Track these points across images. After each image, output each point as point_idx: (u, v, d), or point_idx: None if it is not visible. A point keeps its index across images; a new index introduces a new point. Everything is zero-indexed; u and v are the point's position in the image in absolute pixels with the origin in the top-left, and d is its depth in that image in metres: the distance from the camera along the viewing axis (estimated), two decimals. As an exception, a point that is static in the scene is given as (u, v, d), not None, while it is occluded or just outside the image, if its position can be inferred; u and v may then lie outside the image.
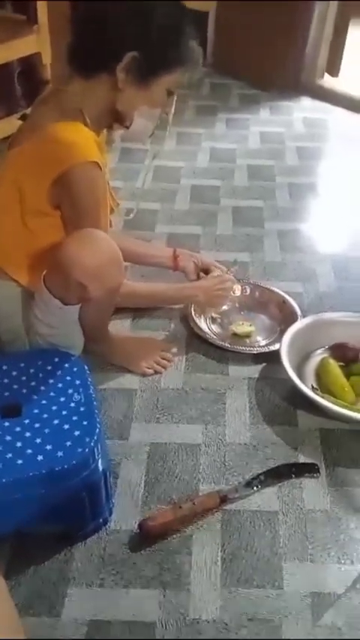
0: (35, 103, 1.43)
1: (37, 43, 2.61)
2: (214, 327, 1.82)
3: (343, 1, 3.20)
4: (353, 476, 1.41)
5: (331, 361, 1.64)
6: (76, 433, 1.17)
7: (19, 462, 1.11)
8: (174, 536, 1.27)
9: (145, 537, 1.26)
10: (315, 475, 1.40)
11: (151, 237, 2.20)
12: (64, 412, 1.21)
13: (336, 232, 2.31)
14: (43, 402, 1.24)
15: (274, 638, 1.12)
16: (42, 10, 2.57)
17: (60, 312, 1.43)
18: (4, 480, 1.09)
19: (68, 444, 1.14)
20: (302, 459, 1.44)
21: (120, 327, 1.78)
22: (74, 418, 1.20)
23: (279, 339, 1.68)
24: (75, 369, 1.33)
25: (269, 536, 1.28)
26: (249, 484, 1.36)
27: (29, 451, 1.13)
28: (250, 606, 1.16)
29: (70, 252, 1.33)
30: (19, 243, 1.43)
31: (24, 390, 1.27)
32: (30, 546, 1.24)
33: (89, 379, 1.31)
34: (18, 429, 1.17)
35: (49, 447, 1.13)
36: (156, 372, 1.65)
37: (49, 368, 1.33)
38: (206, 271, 1.86)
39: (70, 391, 1.26)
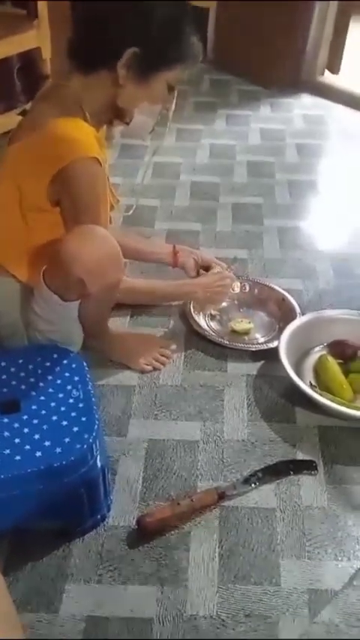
0: (35, 98, 1.42)
1: (37, 38, 2.60)
2: (213, 324, 1.82)
3: (344, 0, 3.20)
4: (351, 473, 1.41)
5: (330, 358, 1.64)
6: (75, 429, 1.17)
7: (18, 458, 1.11)
8: (172, 532, 1.27)
9: (143, 534, 1.26)
10: (313, 472, 1.41)
11: (151, 234, 2.20)
12: (62, 408, 1.21)
13: (336, 230, 2.30)
14: (42, 398, 1.24)
15: (272, 638, 1.12)
16: (42, 5, 2.57)
17: (59, 308, 1.43)
18: (2, 476, 1.09)
19: (67, 440, 1.14)
20: (300, 456, 1.45)
21: (119, 324, 1.78)
22: (73, 414, 1.20)
23: (278, 337, 1.68)
24: (74, 366, 1.33)
25: (267, 532, 1.28)
26: (247, 481, 1.36)
27: (27, 447, 1.13)
28: (248, 603, 1.17)
29: (70, 249, 1.33)
30: (18, 239, 1.43)
31: (22, 386, 1.27)
32: (28, 542, 1.24)
33: (88, 375, 1.31)
34: (16, 425, 1.17)
35: (47, 443, 1.14)
36: (155, 369, 1.65)
37: (48, 364, 1.33)
38: (206, 268, 1.86)
39: (69, 387, 1.26)
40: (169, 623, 1.13)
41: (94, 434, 1.16)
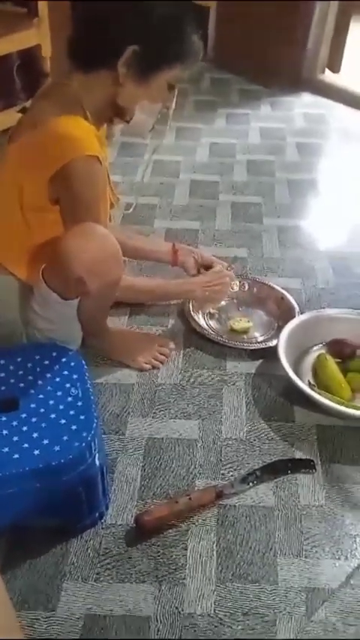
0: (35, 96, 1.42)
1: (37, 35, 2.60)
2: (212, 323, 1.82)
3: (344, 0, 3.20)
4: (349, 472, 1.41)
5: (329, 357, 1.64)
6: (73, 427, 1.17)
7: (16, 456, 1.11)
8: (170, 531, 1.28)
9: (141, 532, 1.26)
10: (311, 471, 1.41)
11: (150, 232, 2.20)
12: (61, 406, 1.21)
13: (335, 229, 2.30)
14: (41, 396, 1.24)
15: (269, 636, 1.12)
16: (42, 3, 2.57)
17: (58, 306, 1.43)
18: (0, 474, 1.09)
19: (65, 438, 1.15)
20: (298, 455, 1.45)
21: (117, 323, 1.78)
22: (71, 412, 1.20)
23: (276, 335, 1.68)
24: (72, 364, 1.33)
25: (265, 531, 1.29)
26: (245, 479, 1.37)
27: (26, 445, 1.13)
28: (245, 601, 1.17)
29: (70, 247, 1.33)
30: (18, 237, 1.42)
31: (21, 384, 1.27)
32: (26, 540, 1.24)
33: (87, 374, 1.31)
34: (15, 423, 1.17)
35: (45, 442, 1.14)
36: (153, 367, 1.65)
37: (47, 362, 1.33)
38: (207, 267, 1.86)
39: (68, 385, 1.26)
40: (167, 621, 1.13)
41: (92, 432, 1.16)
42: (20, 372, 1.30)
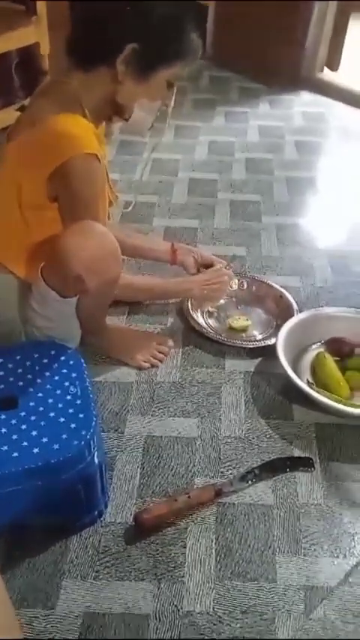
0: (34, 94, 1.42)
1: (36, 33, 2.60)
2: (211, 321, 1.82)
3: (343, 1, 3.20)
4: (348, 470, 1.42)
5: (327, 356, 1.65)
6: (72, 426, 1.17)
7: (15, 454, 1.11)
8: (169, 529, 1.28)
9: (140, 530, 1.26)
10: (310, 469, 1.41)
11: (149, 231, 2.20)
12: (60, 405, 1.21)
13: (334, 227, 2.31)
14: (40, 394, 1.24)
15: (268, 635, 1.13)
16: (41, 1, 2.56)
17: (57, 304, 1.43)
18: (-1, 472, 1.09)
19: (64, 436, 1.15)
20: (297, 453, 1.45)
21: (116, 321, 1.78)
22: (70, 411, 1.20)
23: (275, 334, 1.68)
24: (71, 362, 1.33)
25: (263, 529, 1.29)
26: (244, 478, 1.37)
27: (25, 444, 1.13)
28: (244, 599, 1.17)
29: (69, 245, 1.33)
30: (16, 235, 1.42)
31: (20, 383, 1.27)
32: (25, 539, 1.24)
33: (85, 372, 1.31)
34: (14, 421, 1.17)
35: (45, 440, 1.14)
36: (152, 366, 1.66)
37: (46, 360, 1.33)
38: (207, 266, 1.86)
39: (67, 384, 1.26)
40: (166, 619, 1.14)
41: (91, 430, 1.16)
42: (19, 371, 1.30)
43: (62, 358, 1.33)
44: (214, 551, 1.25)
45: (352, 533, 1.29)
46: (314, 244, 2.19)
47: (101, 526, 1.28)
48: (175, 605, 1.16)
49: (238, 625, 1.13)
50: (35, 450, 1.12)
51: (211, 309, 1.85)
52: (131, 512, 1.30)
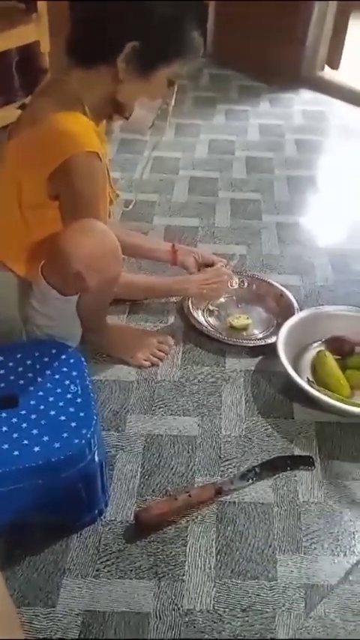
0: (34, 93, 1.42)
1: (36, 31, 2.60)
2: (211, 320, 1.82)
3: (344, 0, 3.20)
4: (348, 469, 1.42)
5: (328, 354, 1.65)
6: (73, 424, 1.17)
7: (16, 453, 1.11)
8: (169, 527, 1.28)
9: (141, 529, 1.26)
10: (310, 468, 1.41)
11: (149, 229, 2.20)
12: (60, 403, 1.21)
13: (334, 225, 2.30)
14: (40, 393, 1.24)
15: (268, 633, 1.13)
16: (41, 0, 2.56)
17: (57, 302, 1.43)
18: (0, 471, 1.09)
19: (65, 435, 1.15)
20: (297, 452, 1.45)
21: (116, 320, 1.78)
22: (71, 409, 1.20)
23: (276, 332, 1.68)
24: (72, 361, 1.33)
25: (264, 528, 1.29)
26: (244, 476, 1.37)
27: (25, 442, 1.13)
28: (244, 597, 1.17)
29: (69, 242, 1.32)
30: (17, 234, 1.42)
31: (21, 381, 1.27)
32: (26, 537, 1.24)
33: (86, 371, 1.31)
34: (14, 420, 1.17)
35: (45, 438, 1.14)
36: (153, 364, 1.65)
37: (46, 359, 1.33)
38: (209, 266, 1.86)
39: (67, 382, 1.27)
40: (166, 617, 1.14)
41: (92, 429, 1.16)
42: (20, 369, 1.30)
43: (63, 357, 1.33)
44: (214, 549, 1.25)
45: (352, 532, 1.29)
46: (315, 243, 2.19)
47: (101, 525, 1.28)
48: (176, 604, 1.16)
49: (239, 623, 1.13)
50: (36, 449, 1.12)
51: (211, 308, 1.85)
52: (131, 510, 1.30)
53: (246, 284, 1.92)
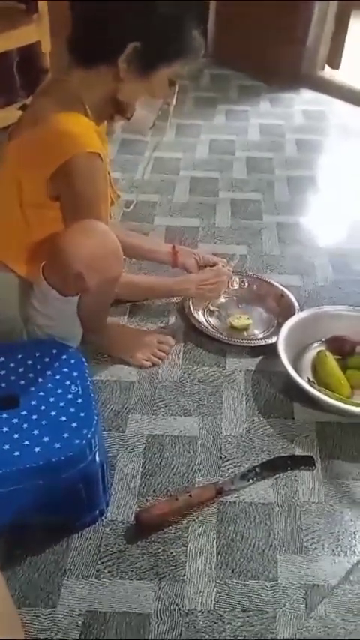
0: (35, 93, 1.42)
1: (37, 32, 2.60)
2: (212, 320, 1.82)
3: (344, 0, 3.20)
4: (348, 469, 1.42)
5: (328, 354, 1.65)
6: (74, 425, 1.17)
7: (16, 453, 1.11)
8: (170, 527, 1.28)
9: (141, 529, 1.26)
10: (311, 468, 1.41)
11: (150, 230, 2.20)
12: (61, 404, 1.21)
13: (335, 225, 2.30)
14: (41, 393, 1.24)
15: (269, 634, 1.13)
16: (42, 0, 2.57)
17: (58, 303, 1.43)
18: (0, 472, 1.09)
19: (65, 435, 1.15)
20: (298, 452, 1.45)
21: (117, 320, 1.78)
22: (71, 410, 1.20)
23: (276, 332, 1.68)
24: (72, 361, 1.33)
25: (264, 528, 1.29)
26: (245, 476, 1.37)
27: (26, 442, 1.13)
28: (245, 597, 1.17)
29: (70, 243, 1.33)
30: (17, 234, 1.42)
31: (21, 382, 1.27)
32: (26, 538, 1.24)
33: (87, 371, 1.31)
34: (15, 420, 1.17)
35: (46, 439, 1.14)
36: (153, 365, 1.66)
37: (47, 359, 1.33)
38: (210, 267, 1.86)
39: (68, 383, 1.27)
40: (167, 617, 1.14)
41: (92, 429, 1.16)
42: (20, 370, 1.30)
43: (63, 357, 1.33)
44: (215, 549, 1.25)
45: (352, 532, 1.29)
46: (315, 243, 2.19)
47: (102, 525, 1.28)
48: (176, 604, 1.16)
49: (239, 623, 1.14)
50: (36, 449, 1.12)
51: (212, 308, 1.85)
52: (132, 511, 1.30)
53: (247, 284, 1.93)
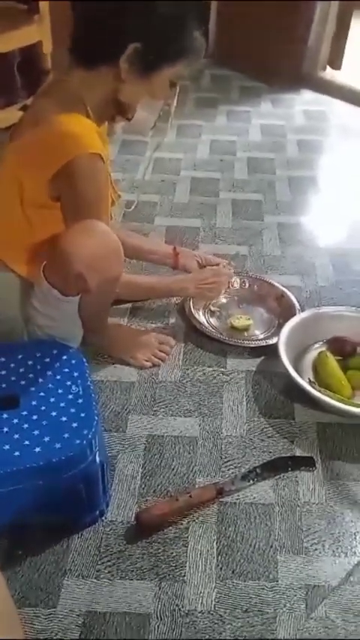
0: (36, 94, 1.42)
1: (38, 32, 2.60)
2: (213, 320, 1.82)
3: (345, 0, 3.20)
4: (349, 469, 1.42)
5: (329, 355, 1.65)
6: (74, 425, 1.17)
7: (17, 453, 1.11)
8: (170, 528, 1.28)
9: (142, 529, 1.26)
10: (311, 468, 1.41)
11: (150, 230, 2.20)
12: (61, 404, 1.21)
13: (335, 226, 2.30)
14: (41, 393, 1.24)
15: (269, 634, 1.13)
16: (43, 0, 2.56)
17: (59, 303, 1.43)
18: (1, 472, 1.09)
19: (66, 435, 1.15)
20: (298, 453, 1.45)
21: (117, 320, 1.78)
22: (72, 410, 1.20)
23: (277, 333, 1.68)
24: (73, 361, 1.33)
25: (265, 528, 1.29)
26: (245, 477, 1.37)
27: (27, 443, 1.13)
28: (245, 598, 1.17)
29: (70, 243, 1.33)
30: (18, 234, 1.42)
31: (22, 382, 1.27)
32: (26, 538, 1.24)
33: (87, 371, 1.31)
34: (15, 420, 1.17)
35: (46, 439, 1.14)
36: (154, 365, 1.66)
37: (47, 360, 1.33)
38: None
39: (68, 383, 1.27)
40: (167, 618, 1.14)
41: (93, 430, 1.17)
42: (21, 370, 1.30)
43: (64, 357, 1.34)
44: (215, 550, 1.25)
45: (353, 533, 1.29)
46: (316, 243, 2.19)
47: (102, 525, 1.28)
48: (177, 605, 1.16)
49: (239, 624, 1.13)
50: (37, 449, 1.12)
51: (213, 308, 1.85)
52: (132, 511, 1.30)
53: (247, 284, 1.93)
